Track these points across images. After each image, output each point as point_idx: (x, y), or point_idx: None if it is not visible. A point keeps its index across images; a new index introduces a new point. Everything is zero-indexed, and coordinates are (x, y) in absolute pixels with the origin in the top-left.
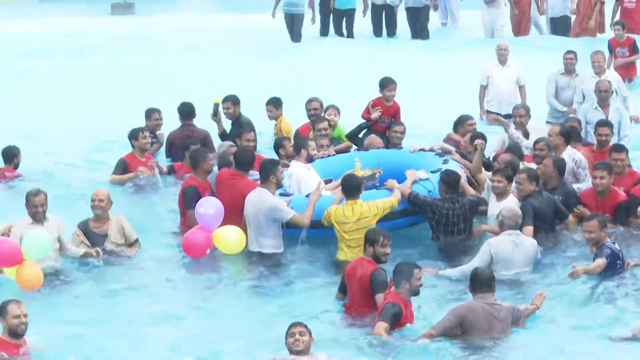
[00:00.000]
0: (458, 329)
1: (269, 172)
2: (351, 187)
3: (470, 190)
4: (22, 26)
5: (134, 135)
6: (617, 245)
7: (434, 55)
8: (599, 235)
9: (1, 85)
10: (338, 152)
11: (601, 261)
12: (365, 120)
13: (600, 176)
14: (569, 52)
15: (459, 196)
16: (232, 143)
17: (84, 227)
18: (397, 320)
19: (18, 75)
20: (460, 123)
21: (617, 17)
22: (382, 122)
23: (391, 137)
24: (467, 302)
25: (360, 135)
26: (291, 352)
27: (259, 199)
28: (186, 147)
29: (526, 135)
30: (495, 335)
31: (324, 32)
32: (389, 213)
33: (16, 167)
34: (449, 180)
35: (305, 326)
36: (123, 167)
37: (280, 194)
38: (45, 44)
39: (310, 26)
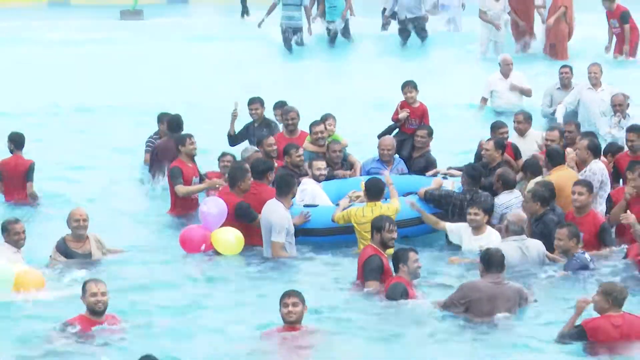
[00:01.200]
0: (462, 306)
1: (290, 186)
2: (375, 190)
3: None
4: (33, 30)
5: (181, 140)
6: (587, 255)
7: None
8: (567, 244)
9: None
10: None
11: (563, 273)
12: (394, 122)
13: (578, 192)
14: (564, 66)
15: (478, 191)
16: (257, 148)
17: (64, 249)
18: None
19: (28, 78)
20: (493, 129)
21: (614, 42)
22: (410, 124)
23: (415, 142)
24: (473, 281)
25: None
26: (285, 321)
27: (271, 211)
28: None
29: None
30: (500, 313)
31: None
32: (407, 220)
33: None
34: (473, 173)
35: (299, 295)
36: (181, 175)
37: (306, 206)
38: (53, 49)
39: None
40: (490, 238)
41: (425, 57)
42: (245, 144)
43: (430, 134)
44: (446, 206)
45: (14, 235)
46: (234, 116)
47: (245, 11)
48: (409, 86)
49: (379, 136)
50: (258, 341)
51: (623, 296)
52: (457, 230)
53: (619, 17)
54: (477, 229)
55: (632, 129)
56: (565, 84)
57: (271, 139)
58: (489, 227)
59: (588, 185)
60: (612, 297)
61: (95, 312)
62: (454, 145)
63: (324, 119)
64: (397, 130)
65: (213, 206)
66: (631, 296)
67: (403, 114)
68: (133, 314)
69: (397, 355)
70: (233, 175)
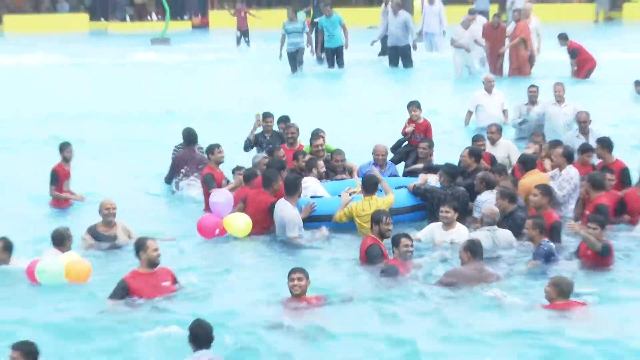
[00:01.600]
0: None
1: (297, 187)
2: (370, 185)
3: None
4: (74, 56)
5: (210, 149)
6: (552, 244)
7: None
8: (531, 233)
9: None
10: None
11: (532, 263)
12: (403, 136)
13: (533, 193)
14: (532, 85)
15: (456, 186)
16: (265, 155)
17: (94, 232)
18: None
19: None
20: (473, 141)
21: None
22: (415, 137)
23: (418, 152)
24: (459, 268)
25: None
26: (292, 294)
27: (282, 210)
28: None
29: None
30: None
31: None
32: (400, 208)
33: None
34: (450, 171)
35: (303, 271)
36: (214, 180)
37: (312, 196)
38: (91, 70)
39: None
40: (460, 232)
41: (413, 77)
42: (253, 151)
43: (431, 145)
44: (431, 199)
45: (69, 242)
46: (257, 126)
47: (240, 41)
48: (413, 105)
49: (391, 148)
50: (276, 307)
51: (569, 288)
52: (428, 232)
53: (570, 53)
54: (448, 224)
55: (597, 141)
56: (533, 100)
57: (281, 150)
58: (458, 223)
59: (543, 188)
60: (559, 289)
61: (154, 265)
62: (441, 155)
63: (317, 133)
64: (405, 142)
65: (221, 197)
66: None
67: (409, 129)
68: None
69: (391, 316)
70: (268, 177)
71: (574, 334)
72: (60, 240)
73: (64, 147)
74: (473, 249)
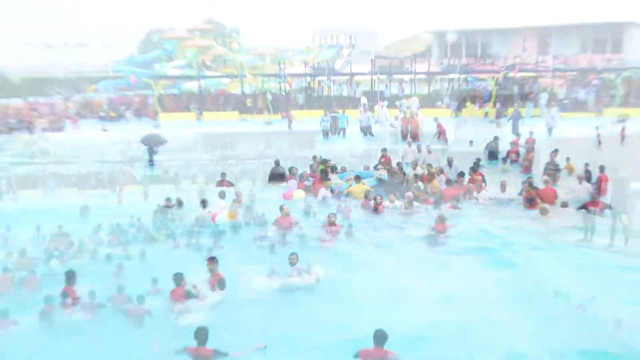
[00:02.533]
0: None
1: (327, 179)
2: (358, 177)
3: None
4: (233, 128)
5: (290, 169)
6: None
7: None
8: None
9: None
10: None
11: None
12: (378, 162)
13: (423, 198)
14: (419, 144)
15: (395, 180)
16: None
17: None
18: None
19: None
20: (397, 164)
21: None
22: (384, 163)
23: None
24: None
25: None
26: (329, 224)
27: (322, 191)
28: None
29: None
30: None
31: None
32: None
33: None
34: (392, 173)
35: (335, 214)
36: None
37: (335, 184)
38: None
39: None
40: (398, 204)
41: (373, 140)
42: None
43: (391, 167)
44: (384, 185)
45: (224, 195)
46: (316, 163)
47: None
48: (383, 149)
49: (374, 168)
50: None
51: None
52: (385, 204)
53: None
54: (392, 201)
55: (470, 168)
56: (420, 150)
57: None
58: (397, 200)
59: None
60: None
61: (287, 215)
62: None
63: (326, 160)
64: (379, 165)
65: (293, 185)
66: None
67: (381, 160)
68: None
69: (379, 229)
70: (322, 177)
71: None
72: (222, 195)
73: (220, 180)
74: (411, 201)
